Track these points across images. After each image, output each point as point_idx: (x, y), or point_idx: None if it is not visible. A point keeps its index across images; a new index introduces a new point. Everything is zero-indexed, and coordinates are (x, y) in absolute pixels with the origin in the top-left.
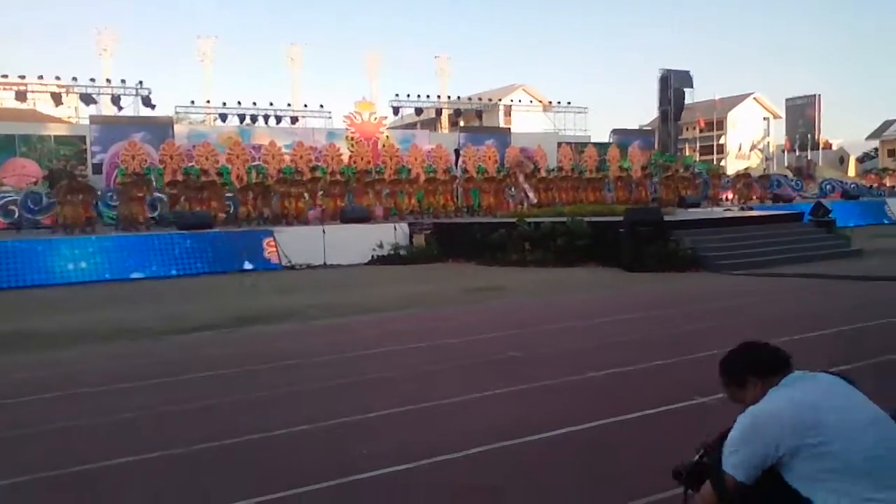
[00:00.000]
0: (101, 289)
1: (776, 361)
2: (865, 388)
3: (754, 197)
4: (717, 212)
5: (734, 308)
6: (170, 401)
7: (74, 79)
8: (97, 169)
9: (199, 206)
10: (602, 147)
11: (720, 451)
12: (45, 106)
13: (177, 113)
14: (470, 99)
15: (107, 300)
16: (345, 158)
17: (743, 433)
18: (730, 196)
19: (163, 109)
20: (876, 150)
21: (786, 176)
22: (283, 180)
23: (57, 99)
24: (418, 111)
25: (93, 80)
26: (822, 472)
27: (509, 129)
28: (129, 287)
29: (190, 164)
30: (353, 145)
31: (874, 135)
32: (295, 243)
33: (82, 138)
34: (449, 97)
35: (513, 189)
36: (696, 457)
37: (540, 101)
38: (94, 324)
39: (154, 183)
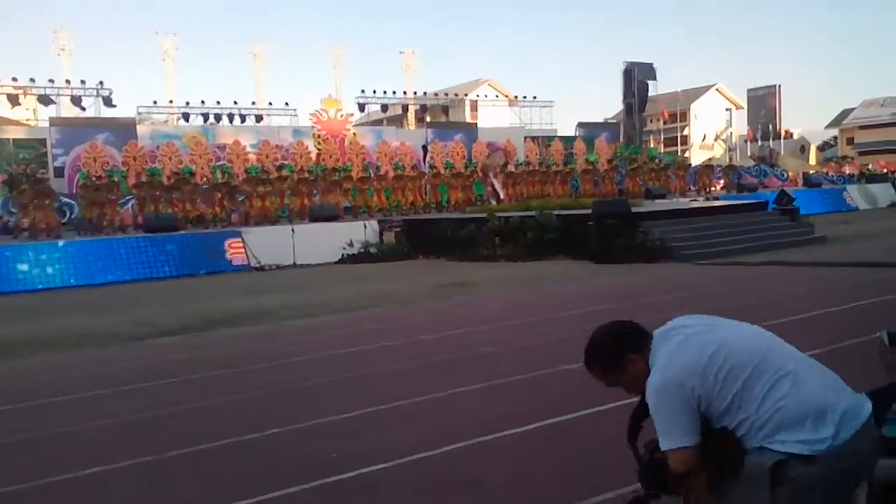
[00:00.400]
0: (67, 295)
1: (641, 330)
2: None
3: (717, 188)
4: (683, 202)
5: (703, 297)
6: (139, 407)
7: (32, 80)
8: (59, 172)
9: (168, 208)
10: (568, 140)
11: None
12: (0, 108)
13: (139, 113)
14: (436, 94)
15: (72, 306)
16: (313, 156)
17: (666, 403)
18: (692, 187)
19: (125, 110)
20: (835, 138)
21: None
22: (249, 180)
23: (14, 100)
24: (384, 108)
25: (52, 80)
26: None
27: (476, 124)
28: (96, 292)
29: (153, 166)
30: (319, 143)
31: (833, 123)
32: (263, 243)
33: (42, 141)
34: (415, 93)
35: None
36: (648, 455)
37: (506, 96)
38: (59, 331)
39: (120, 185)
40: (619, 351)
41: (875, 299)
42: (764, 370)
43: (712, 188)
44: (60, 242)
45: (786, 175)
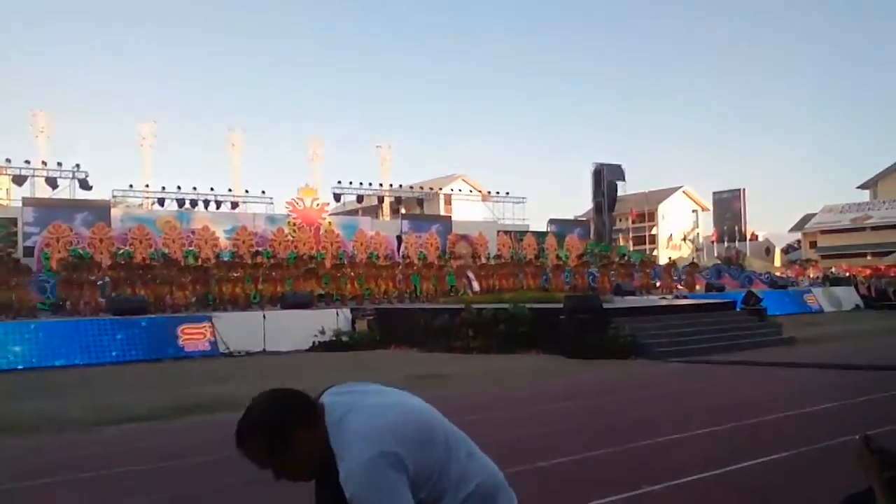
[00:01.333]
0: (26, 377)
1: (309, 400)
2: (809, 477)
3: (680, 286)
4: (653, 300)
5: (674, 396)
6: (98, 499)
7: (8, 160)
8: (28, 252)
9: (141, 291)
10: (540, 235)
11: None
12: None
13: (114, 196)
14: (412, 187)
15: (32, 389)
16: (289, 244)
17: (379, 483)
18: (658, 284)
19: (101, 193)
20: (799, 241)
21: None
22: (222, 264)
23: None
24: (360, 198)
25: (27, 161)
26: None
27: (450, 217)
28: (57, 375)
29: (124, 248)
30: (294, 231)
31: (796, 227)
32: (234, 329)
33: (13, 220)
34: (391, 185)
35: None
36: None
37: (479, 191)
38: (16, 415)
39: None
40: (284, 425)
41: (847, 401)
42: (455, 441)
43: (677, 287)
44: (32, 323)
45: (751, 278)
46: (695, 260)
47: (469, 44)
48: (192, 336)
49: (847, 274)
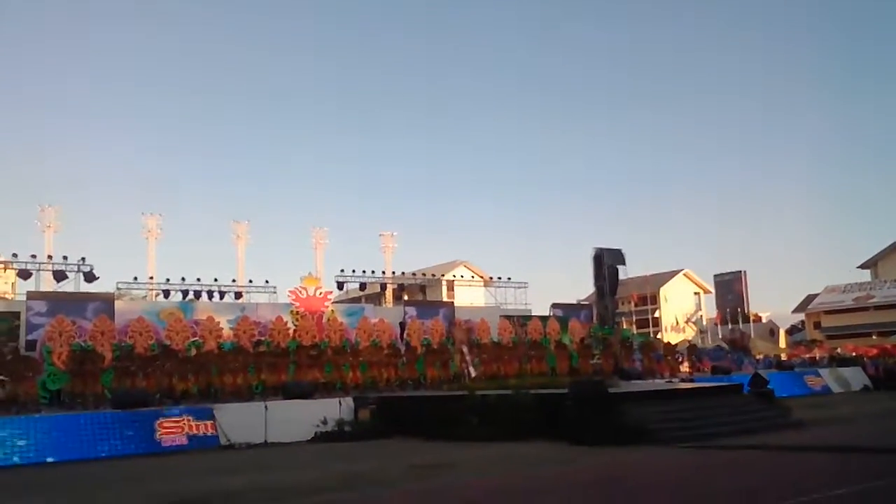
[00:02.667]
0: (20, 473)
1: None
2: None
3: (685, 368)
4: (659, 383)
5: (686, 483)
6: None
7: (15, 255)
8: (30, 345)
9: (143, 383)
10: (543, 320)
11: None
12: None
13: (118, 289)
14: (413, 274)
15: (25, 488)
16: (291, 332)
17: None
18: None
19: (106, 285)
20: (802, 322)
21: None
22: (223, 355)
23: None
24: (363, 286)
25: (34, 256)
26: None
27: (452, 303)
28: (52, 471)
29: (124, 341)
30: (297, 319)
31: (799, 308)
32: (235, 420)
33: (16, 314)
34: (393, 272)
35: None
36: None
37: (481, 277)
38: None
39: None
40: None
41: (863, 485)
42: None
43: (680, 370)
44: (37, 416)
45: (754, 362)
46: (698, 342)
47: (468, 128)
48: (171, 430)
49: (853, 354)
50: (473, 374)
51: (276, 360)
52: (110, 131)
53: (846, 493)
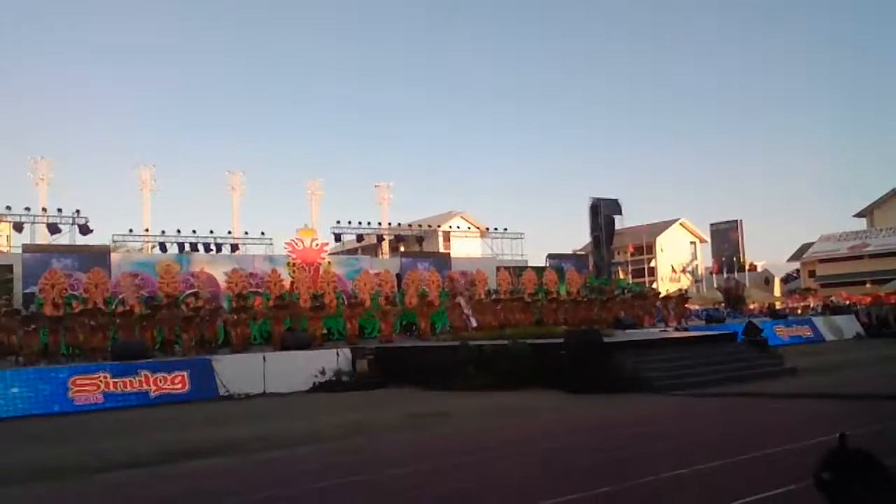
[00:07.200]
0: (22, 425)
1: None
2: None
3: (678, 322)
4: (654, 333)
5: (680, 429)
6: None
7: (8, 207)
8: (28, 298)
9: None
10: (539, 271)
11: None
12: None
13: (114, 241)
14: (410, 226)
15: (28, 438)
16: (286, 284)
17: None
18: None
19: (100, 238)
20: (797, 271)
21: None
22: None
23: None
24: (360, 237)
25: (28, 208)
26: None
27: (449, 254)
28: (54, 422)
29: (118, 294)
30: (294, 271)
31: (794, 257)
32: (233, 371)
33: (9, 267)
34: (389, 224)
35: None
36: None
37: (477, 228)
38: (12, 464)
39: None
40: None
41: (856, 430)
42: None
43: (673, 320)
44: (30, 370)
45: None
46: (689, 292)
47: (466, 80)
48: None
49: (847, 302)
50: (475, 324)
51: (276, 311)
52: (103, 79)
53: (835, 441)
